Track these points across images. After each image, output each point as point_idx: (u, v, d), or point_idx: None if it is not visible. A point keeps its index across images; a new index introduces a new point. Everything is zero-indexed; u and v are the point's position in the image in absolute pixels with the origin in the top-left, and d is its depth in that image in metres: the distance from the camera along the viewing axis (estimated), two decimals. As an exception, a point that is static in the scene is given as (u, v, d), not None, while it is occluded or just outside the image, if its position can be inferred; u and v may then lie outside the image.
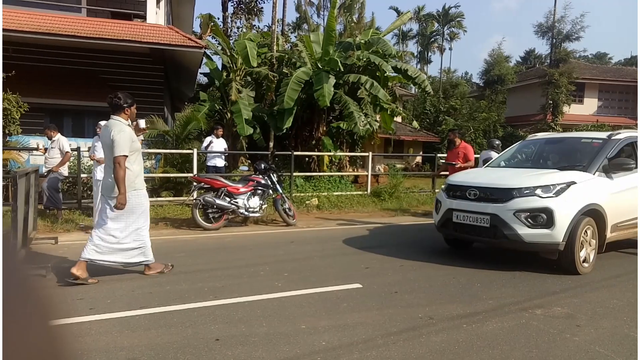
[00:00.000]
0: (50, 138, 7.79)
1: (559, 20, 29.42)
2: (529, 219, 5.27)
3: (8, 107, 8.58)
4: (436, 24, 48.91)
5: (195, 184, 8.11)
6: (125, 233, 4.78)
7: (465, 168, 8.09)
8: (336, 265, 5.61)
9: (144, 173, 9.83)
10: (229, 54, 13.42)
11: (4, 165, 9.01)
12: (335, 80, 12.13)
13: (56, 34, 10.13)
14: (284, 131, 12.70)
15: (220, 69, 14.41)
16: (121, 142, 4.57)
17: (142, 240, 4.90)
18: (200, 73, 15.99)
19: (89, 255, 4.67)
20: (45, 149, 7.99)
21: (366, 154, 12.60)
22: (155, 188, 10.15)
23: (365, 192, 11.81)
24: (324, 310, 4.06)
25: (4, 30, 9.72)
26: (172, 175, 9.93)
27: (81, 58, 11.37)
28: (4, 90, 8.80)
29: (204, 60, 13.50)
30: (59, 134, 7.85)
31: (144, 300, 4.25)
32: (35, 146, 8.58)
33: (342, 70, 12.24)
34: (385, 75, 12.90)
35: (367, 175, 12.39)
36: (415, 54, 51.97)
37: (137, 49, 11.20)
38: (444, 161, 9.86)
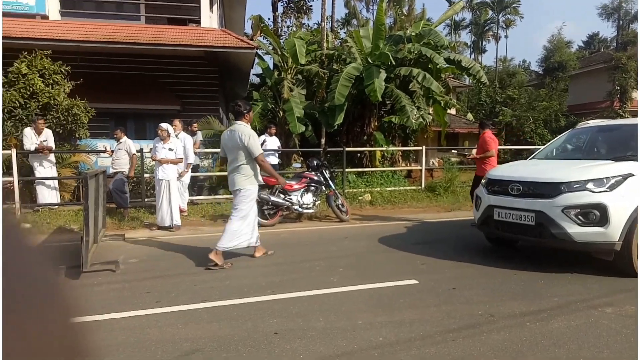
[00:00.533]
0: (118, 140, 8.27)
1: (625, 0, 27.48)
2: (580, 216, 4.81)
3: (77, 112, 9.16)
4: (490, 12, 47.14)
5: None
6: (250, 219, 5.51)
7: (485, 160, 7.69)
8: (391, 261, 5.57)
9: (203, 172, 10.19)
10: (279, 53, 13.62)
11: (75, 167, 9.64)
12: (386, 75, 12.00)
13: (118, 42, 10.69)
14: (336, 127, 12.72)
15: (271, 69, 14.65)
16: (254, 143, 5.33)
17: (254, 225, 5.64)
18: (253, 73, 16.34)
19: (225, 244, 5.37)
20: (112, 151, 8.48)
21: (419, 148, 12.39)
22: (213, 186, 10.49)
23: (420, 187, 11.61)
24: (380, 306, 4.04)
25: (72, 41, 10.39)
26: (226, 173, 10.21)
27: (142, 64, 11.93)
28: (73, 96, 9.39)
29: (256, 60, 13.79)
30: (125, 137, 8.32)
31: (206, 294, 4.42)
32: (103, 149, 9.11)
33: (393, 63, 12.08)
34: (437, 67, 12.61)
35: (420, 170, 12.18)
36: (469, 43, 50.37)
37: (193, 52, 11.60)
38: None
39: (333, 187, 8.45)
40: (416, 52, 12.51)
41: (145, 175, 9.11)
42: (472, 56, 48.08)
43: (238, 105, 5.44)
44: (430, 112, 13.29)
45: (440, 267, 5.28)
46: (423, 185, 11.68)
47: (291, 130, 12.41)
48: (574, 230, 4.81)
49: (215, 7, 13.43)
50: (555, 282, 4.66)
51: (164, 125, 7.50)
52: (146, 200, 8.97)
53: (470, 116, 14.91)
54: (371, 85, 11.44)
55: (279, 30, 21.87)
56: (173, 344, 3.37)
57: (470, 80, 15.42)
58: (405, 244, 6.51)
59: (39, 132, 8.29)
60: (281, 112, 13.18)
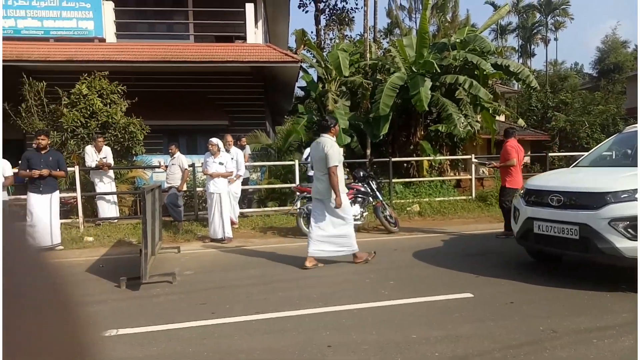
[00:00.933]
0: (172, 155, 8.62)
1: (688, -6, 25.91)
2: (629, 230, 4.39)
3: (133, 130, 9.61)
4: (538, 15, 45.67)
5: (298, 193, 8.39)
6: (338, 226, 5.81)
7: (509, 170, 7.46)
8: (444, 273, 5.45)
9: (252, 185, 10.38)
10: (323, 65, 13.76)
11: (132, 183, 10.09)
12: (431, 83, 11.86)
13: (170, 61, 11.16)
14: (381, 138, 12.66)
15: (315, 81, 14.82)
16: (333, 155, 5.66)
17: (348, 231, 5.86)
18: (297, 87, 16.58)
19: (314, 248, 5.80)
20: (166, 166, 8.83)
21: (468, 156, 12.10)
22: (261, 199, 10.67)
23: (470, 197, 11.33)
24: (435, 320, 3.96)
25: (127, 62, 10.94)
26: (276, 186, 10.38)
27: (192, 81, 12.38)
28: (129, 115, 9.86)
29: (300, 73, 13.98)
30: (178, 152, 8.66)
31: (259, 305, 4.48)
32: (157, 164, 9.49)
33: (439, 71, 11.93)
34: (484, 73, 12.33)
35: (470, 179, 11.89)
36: (517, 48, 48.95)
37: (240, 68, 11.93)
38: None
39: (380, 198, 8.40)
40: (461, 59, 12.30)
41: (198, 189, 9.39)
42: (520, 61, 46.64)
43: (325, 120, 6.00)
44: (479, 119, 12.98)
45: (495, 280, 5.11)
46: (473, 195, 11.38)
47: (337, 142, 12.45)
48: (624, 244, 4.41)
49: (260, 23, 13.78)
50: (623, 298, 4.40)
51: (215, 140, 7.73)
52: (199, 213, 9.24)
53: (521, 122, 14.44)
54: (417, 95, 11.33)
55: (322, 42, 22.13)
56: (229, 355, 3.43)
57: (520, 86, 14.96)
58: (458, 256, 6.35)
59: (98, 150, 8.75)
60: (326, 124, 13.26)
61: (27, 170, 6.93)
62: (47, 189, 7.11)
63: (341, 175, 5.86)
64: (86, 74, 9.80)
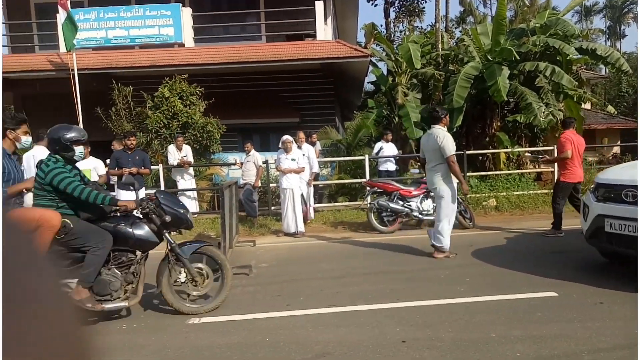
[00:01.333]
0: (248, 153, 8.96)
1: None
2: None
3: (211, 129, 10.09)
4: (629, -9, 41.79)
5: (368, 188, 8.37)
6: (453, 215, 6.02)
7: (566, 163, 7.00)
8: (524, 271, 5.18)
9: (322, 180, 10.50)
10: (393, 58, 13.56)
11: (210, 179, 10.59)
12: (509, 72, 11.28)
13: (243, 62, 11.57)
14: (454, 130, 12.26)
15: (385, 75, 14.65)
16: (448, 145, 5.72)
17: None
18: (367, 81, 16.50)
19: (436, 240, 5.94)
20: (241, 164, 9.18)
21: (550, 147, 11.38)
22: (332, 194, 10.77)
23: (551, 191, 10.65)
24: (516, 319, 3.79)
25: (204, 64, 11.48)
26: (346, 181, 10.42)
27: (264, 80, 12.74)
28: (207, 115, 10.35)
29: (370, 68, 13.90)
30: (253, 149, 9.00)
31: (333, 298, 4.54)
32: (233, 161, 9.89)
33: (518, 59, 11.30)
34: (567, 58, 11.51)
35: (552, 172, 11.18)
36: (604, 29, 45.15)
37: (309, 65, 12.08)
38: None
39: (455, 192, 8.14)
40: (542, 44, 11.56)
41: (271, 185, 9.67)
42: (609, 43, 43.00)
43: (435, 111, 6.02)
44: (561, 108, 12.16)
45: (581, 278, 4.78)
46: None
47: (408, 136, 12.25)
48: None
49: (329, 19, 13.86)
50: None
51: (287, 137, 7.91)
52: (272, 208, 9.52)
53: (610, 109, 13.32)
54: (494, 85, 10.82)
55: (392, 35, 21.82)
56: (304, 346, 3.51)
57: (608, 70, 13.80)
58: (539, 252, 6.02)
59: (179, 149, 9.28)
60: (396, 118, 13.08)
61: (116, 169, 7.52)
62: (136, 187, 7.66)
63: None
64: (168, 78, 10.41)
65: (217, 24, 13.39)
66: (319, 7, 12.37)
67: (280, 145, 8.04)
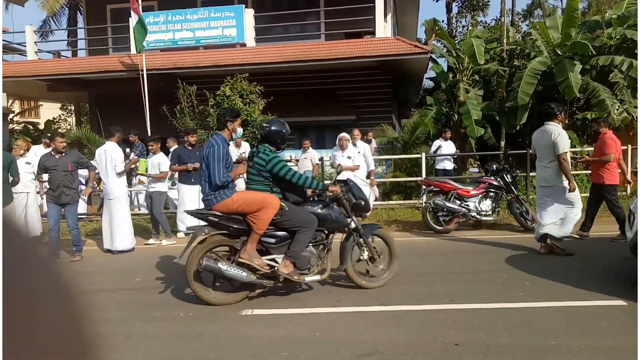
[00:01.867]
0: (306, 150, 9.08)
1: None
2: None
3: (269, 127, 10.29)
4: None
5: (424, 187, 8.20)
6: (565, 210, 5.87)
7: (604, 165, 6.64)
8: (590, 277, 4.87)
9: (377, 178, 10.41)
10: (454, 54, 13.18)
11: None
12: (581, 66, 10.62)
13: (301, 60, 11.69)
14: (517, 128, 11.73)
15: (446, 71, 14.27)
16: (562, 142, 5.69)
17: (575, 215, 5.96)
18: (426, 78, 16.16)
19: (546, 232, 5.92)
20: (297, 160, 9.31)
21: (624, 147, 10.59)
22: (386, 192, 10.66)
23: (624, 192, 9.93)
24: (578, 328, 3.58)
25: (264, 63, 11.73)
26: (401, 179, 10.28)
27: (321, 78, 12.82)
28: (266, 113, 10.57)
29: (430, 64, 13.59)
30: (310, 147, 9.13)
31: (384, 297, 4.50)
32: (289, 158, 10.04)
33: (594, 53, 10.61)
34: (647, 51, 10.65)
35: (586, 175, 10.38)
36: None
37: (367, 63, 12.01)
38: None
39: (516, 192, 7.81)
40: (618, 37, 10.79)
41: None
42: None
43: (551, 107, 5.95)
44: (637, 105, 11.29)
45: (657, 288, 4.42)
46: (629, 191, 9.96)
47: (469, 134, 11.87)
48: None
49: (389, 16, 13.70)
50: None
51: (343, 134, 7.92)
52: (326, 205, 9.58)
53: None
54: (565, 81, 10.23)
55: (454, 31, 21.22)
56: (354, 343, 3.51)
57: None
58: (607, 257, 5.64)
59: (238, 146, 9.55)
60: (456, 116, 12.71)
61: (178, 165, 7.88)
62: (197, 180, 8.01)
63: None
64: (229, 77, 10.74)
65: (277, 23, 13.63)
66: (379, 4, 12.26)
67: (336, 142, 8.06)
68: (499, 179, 7.82)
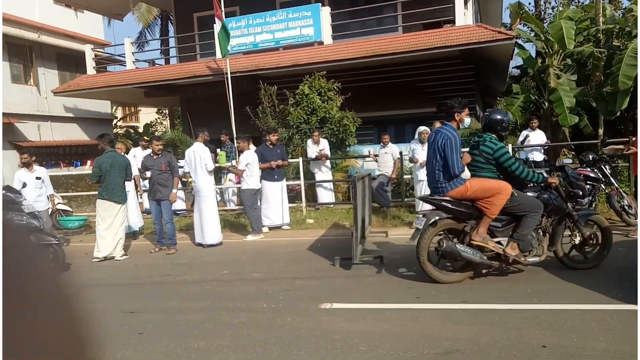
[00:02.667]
0: (385, 144, 9.04)
1: None
2: None
3: (347, 123, 10.37)
4: None
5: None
6: None
7: None
8: None
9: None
10: (543, 38, 12.33)
11: (345, 171, 10.91)
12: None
13: (379, 55, 11.60)
14: (617, 114, 10.72)
15: (534, 57, 13.40)
16: None
17: None
18: (512, 66, 15.28)
19: None
20: (376, 155, 9.29)
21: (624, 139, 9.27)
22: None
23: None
24: (688, 334, 3.22)
25: (341, 60, 11.81)
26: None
27: (400, 72, 12.63)
28: (343, 109, 10.65)
29: (516, 51, 12.84)
30: (390, 142, 9.07)
31: (465, 295, 4.38)
32: (367, 153, 10.04)
33: None
34: None
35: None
36: None
37: (447, 53, 11.63)
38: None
39: (616, 185, 7.15)
40: None
41: (405, 176, 9.59)
42: None
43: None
44: None
45: None
46: None
47: (561, 123, 11.08)
48: None
49: (469, 3, 13.13)
50: None
51: (423, 128, 7.76)
52: (406, 199, 9.45)
53: None
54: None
55: (542, 13, 19.82)
56: (433, 340, 3.46)
57: None
58: None
59: (317, 143, 9.73)
60: (546, 103, 11.90)
61: (260, 163, 8.19)
62: (279, 177, 8.33)
63: None
64: (308, 75, 10.96)
65: (354, 19, 13.63)
66: (459, -9, 11.81)
67: (415, 136, 7.92)
68: (596, 170, 7.21)
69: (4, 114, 15.36)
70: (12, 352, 0.32)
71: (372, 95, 12.49)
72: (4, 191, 6.37)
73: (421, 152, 7.67)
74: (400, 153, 9.32)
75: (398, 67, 12.52)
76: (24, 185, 7.28)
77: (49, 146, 17.04)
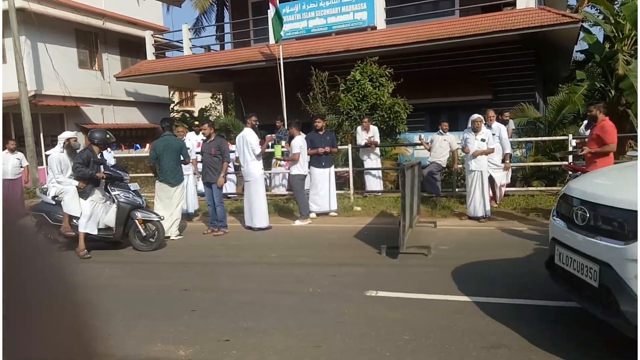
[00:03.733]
0: (444, 132, 8.87)
1: None
2: None
3: (398, 109, 10.21)
4: None
5: (570, 172, 7.44)
6: None
7: (603, 156, 5.80)
8: None
9: (515, 162, 9.71)
10: (612, 21, 11.54)
11: (395, 159, 10.79)
12: None
13: (433, 40, 11.30)
14: None
15: (601, 42, 12.58)
16: None
17: None
18: (576, 51, 14.41)
19: None
20: (427, 143, 9.12)
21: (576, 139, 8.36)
22: (525, 177, 9.90)
23: None
24: None
25: (394, 45, 11.60)
26: (543, 163, 9.43)
27: (454, 57, 12.26)
28: (395, 96, 10.49)
29: (581, 35, 12.10)
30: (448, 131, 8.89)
31: (516, 289, 4.26)
32: (419, 140, 9.86)
33: None
34: None
35: None
36: None
37: (507, 37, 11.15)
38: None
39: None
40: None
41: (458, 166, 9.35)
42: None
43: None
44: None
45: None
46: None
47: (631, 112, 10.38)
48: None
49: (532, -16, 12.48)
50: None
51: (476, 116, 7.52)
52: (457, 190, 9.24)
53: None
54: None
55: (614, -7, 18.45)
56: (479, 334, 3.41)
57: None
58: None
59: (367, 129, 9.67)
60: (613, 91, 11.18)
61: (310, 150, 8.26)
62: (327, 164, 8.38)
63: None
64: (359, 61, 10.87)
65: (408, 3, 13.31)
66: (520, -29, 11.24)
67: (469, 124, 7.69)
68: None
69: (72, 98, 16.35)
70: (15, 349, 0.31)
71: (425, 81, 12.22)
72: (112, 169, 6.71)
73: (473, 142, 7.44)
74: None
75: (453, 52, 12.15)
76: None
77: (111, 129, 17.99)
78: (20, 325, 0.32)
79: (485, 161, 7.41)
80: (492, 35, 10.75)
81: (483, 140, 7.40)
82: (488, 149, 7.43)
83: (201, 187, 8.35)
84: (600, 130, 6.01)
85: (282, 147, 9.34)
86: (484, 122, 7.55)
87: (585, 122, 9.39)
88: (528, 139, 10.16)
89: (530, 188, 9.29)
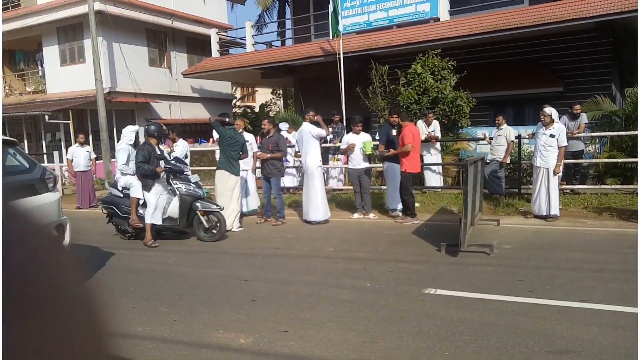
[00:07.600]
0: (499, 126, 8.53)
1: None
2: None
3: (461, 103, 9.90)
4: None
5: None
6: None
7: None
8: None
9: (587, 158, 9.16)
10: None
11: (456, 154, 10.49)
12: None
13: (500, 30, 10.83)
14: None
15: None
16: None
17: None
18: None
19: None
20: (490, 138, 8.79)
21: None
22: (599, 175, 9.29)
23: None
24: None
25: (457, 37, 11.24)
26: (619, 160, 8.79)
27: (522, 47, 11.70)
28: (457, 89, 10.18)
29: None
30: (505, 124, 8.52)
31: (585, 293, 4.04)
32: (482, 136, 9.53)
33: None
34: None
35: None
36: None
37: (580, 26, 10.47)
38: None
39: None
40: None
41: (523, 161, 8.96)
42: None
43: None
44: None
45: None
46: None
47: None
48: None
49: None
50: None
51: (547, 109, 7.12)
52: (522, 187, 8.84)
53: None
54: None
55: None
56: (545, 337, 3.27)
57: None
58: None
59: (428, 124, 9.47)
60: None
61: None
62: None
63: None
64: (421, 54, 10.63)
65: (473, -8, 12.84)
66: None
67: (541, 118, 7.23)
68: None
69: (143, 94, 17.27)
70: (14, 350, 0.30)
71: (490, 73, 11.76)
72: (173, 161, 6.97)
73: (542, 136, 7.07)
74: (519, 136, 8.69)
75: (521, 43, 11.61)
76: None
77: (178, 124, 18.84)
78: (21, 325, 0.31)
79: (552, 157, 7.02)
80: (565, 24, 10.15)
81: (552, 136, 7.01)
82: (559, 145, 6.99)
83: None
84: (402, 134, 7.14)
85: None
86: (555, 116, 7.12)
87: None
88: (603, 133, 9.51)
89: (604, 186, 8.71)
